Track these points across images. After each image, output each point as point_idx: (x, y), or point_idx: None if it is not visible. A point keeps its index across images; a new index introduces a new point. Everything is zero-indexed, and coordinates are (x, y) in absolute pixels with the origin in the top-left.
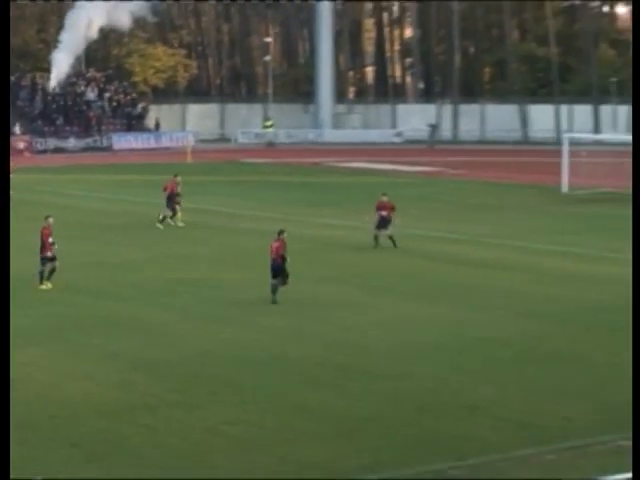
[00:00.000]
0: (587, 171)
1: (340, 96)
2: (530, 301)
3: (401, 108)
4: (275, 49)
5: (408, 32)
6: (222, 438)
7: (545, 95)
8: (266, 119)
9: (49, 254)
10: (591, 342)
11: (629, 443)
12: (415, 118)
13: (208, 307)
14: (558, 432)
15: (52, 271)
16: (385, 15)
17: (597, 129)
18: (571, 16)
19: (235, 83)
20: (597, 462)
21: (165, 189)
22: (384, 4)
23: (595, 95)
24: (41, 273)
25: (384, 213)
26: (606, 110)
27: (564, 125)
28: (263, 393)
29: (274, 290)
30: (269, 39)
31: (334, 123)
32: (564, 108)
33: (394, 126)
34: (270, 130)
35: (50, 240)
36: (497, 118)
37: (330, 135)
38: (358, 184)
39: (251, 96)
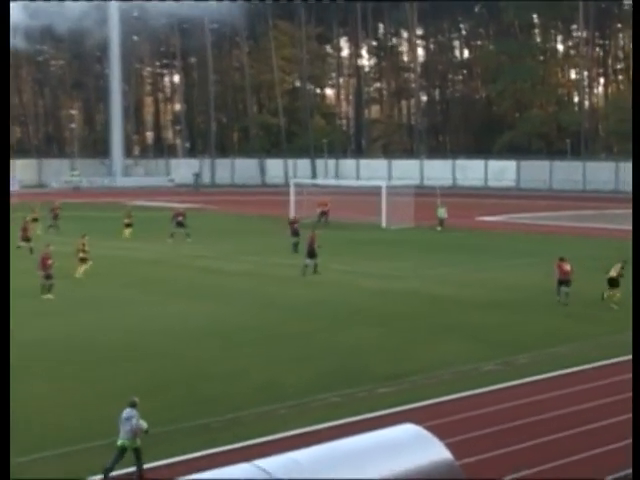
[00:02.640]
0: (307, 205)
1: (128, 153)
2: (265, 297)
3: (173, 161)
4: (79, 118)
5: (177, 107)
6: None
7: (277, 152)
8: (73, 170)
9: None
10: (312, 326)
11: (339, 399)
12: (184, 168)
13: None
14: (289, 393)
15: None
16: (160, 94)
17: (314, 176)
18: (294, 95)
19: (49, 144)
20: (316, 414)
21: None
22: (160, 85)
23: (312, 152)
24: None
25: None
26: (320, 163)
27: (291, 173)
28: (74, 369)
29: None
30: (74, 111)
31: (124, 172)
32: (290, 161)
33: (168, 174)
34: (76, 178)
35: None
36: (243, 169)
37: (121, 181)
38: (142, 217)
39: (61, 153)
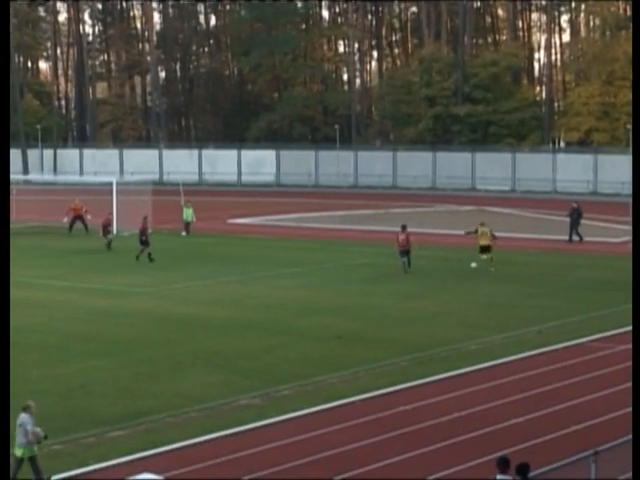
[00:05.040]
0: (17, 207)
1: None
2: None
3: None
4: None
5: None
6: None
7: None
8: None
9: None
10: (25, 359)
11: (61, 447)
12: None
13: None
14: None
15: None
16: None
17: (26, 170)
18: None
19: None
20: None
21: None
22: None
23: (22, 141)
24: None
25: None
26: (33, 154)
27: None
28: None
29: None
30: None
31: None
32: None
33: None
34: None
35: None
36: None
37: None
38: None
39: None
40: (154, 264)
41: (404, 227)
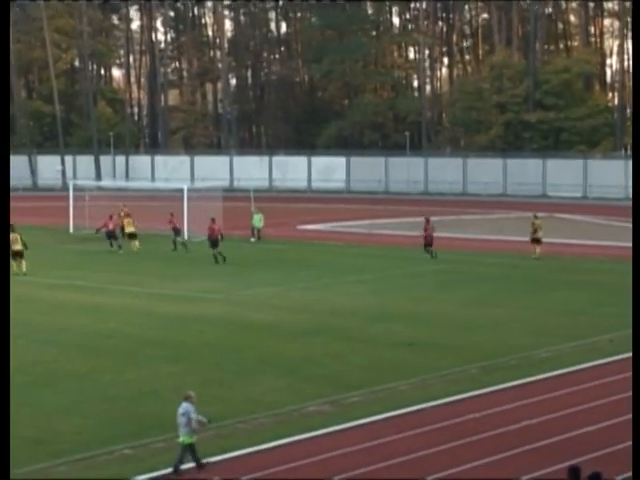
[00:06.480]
0: (90, 213)
1: None
2: (44, 331)
3: None
4: None
5: None
6: None
7: (52, 147)
8: None
9: None
10: (98, 364)
11: (131, 452)
12: None
13: None
14: (69, 446)
15: None
16: None
17: (98, 177)
18: (72, 77)
19: None
20: (104, 471)
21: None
22: None
23: (95, 147)
24: None
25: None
26: (106, 160)
27: (69, 173)
28: None
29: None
30: None
31: None
32: (69, 158)
33: None
34: None
35: None
36: (12, 168)
37: None
38: None
39: None
40: (220, 267)
41: (428, 220)
